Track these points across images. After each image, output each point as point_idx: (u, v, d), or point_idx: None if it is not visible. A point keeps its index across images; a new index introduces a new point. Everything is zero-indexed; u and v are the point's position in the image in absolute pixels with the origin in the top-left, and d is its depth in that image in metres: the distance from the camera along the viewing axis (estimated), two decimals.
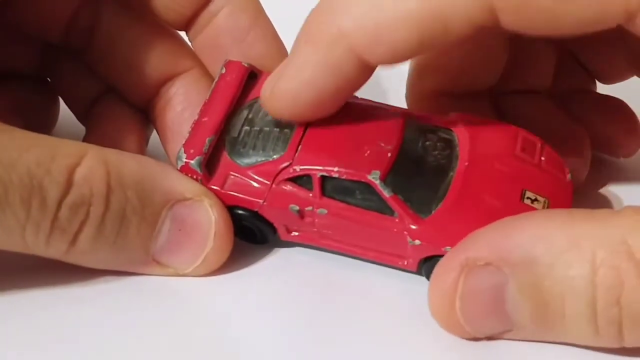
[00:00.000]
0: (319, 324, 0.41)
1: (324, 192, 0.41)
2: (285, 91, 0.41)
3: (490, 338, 0.39)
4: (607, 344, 0.37)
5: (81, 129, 0.49)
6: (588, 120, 0.48)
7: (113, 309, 0.41)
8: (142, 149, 0.47)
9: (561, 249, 0.36)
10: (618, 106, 0.49)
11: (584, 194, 0.46)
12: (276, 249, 0.44)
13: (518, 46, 0.46)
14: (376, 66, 0.40)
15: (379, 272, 0.43)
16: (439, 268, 0.38)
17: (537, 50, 0.48)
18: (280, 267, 0.44)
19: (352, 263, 0.43)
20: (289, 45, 0.46)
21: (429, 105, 0.46)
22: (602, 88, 0.51)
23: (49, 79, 0.50)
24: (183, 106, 0.46)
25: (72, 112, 0.50)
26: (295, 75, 0.41)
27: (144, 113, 0.48)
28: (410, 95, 0.48)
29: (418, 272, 0.42)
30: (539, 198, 0.41)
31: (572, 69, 0.49)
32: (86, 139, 0.47)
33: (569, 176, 0.43)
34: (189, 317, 0.41)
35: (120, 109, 0.48)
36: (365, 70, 0.40)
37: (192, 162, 0.42)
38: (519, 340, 0.39)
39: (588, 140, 0.47)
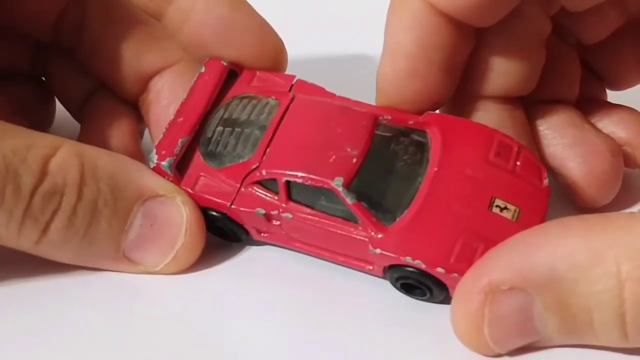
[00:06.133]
0: (295, 319, 0.41)
1: (290, 196, 0.41)
2: (382, 67, 0.42)
3: None
4: (637, 345, 0.37)
5: (77, 128, 0.49)
6: (599, 130, 0.47)
7: (83, 305, 0.42)
8: (135, 143, 0.48)
9: (584, 264, 0.35)
10: (630, 115, 0.48)
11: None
12: (248, 247, 0.45)
13: (549, 54, 0.45)
14: (460, 24, 0.41)
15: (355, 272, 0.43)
16: (461, 293, 0.38)
17: (566, 58, 0.47)
18: (252, 264, 0.44)
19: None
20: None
21: (466, 108, 0.45)
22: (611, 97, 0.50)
23: (43, 78, 0.51)
24: (168, 100, 0.47)
25: (67, 109, 0.51)
26: (387, 47, 0.42)
27: (137, 108, 0.49)
28: (454, 97, 0.46)
29: (384, 278, 0.42)
30: (509, 206, 0.40)
31: (583, 76, 0.48)
32: (80, 135, 0.48)
33: (546, 182, 0.42)
34: (158, 313, 0.42)
35: (113, 104, 0.48)
36: (448, 26, 0.41)
37: (163, 163, 0.42)
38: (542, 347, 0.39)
39: (620, 149, 0.46)
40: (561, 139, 0.45)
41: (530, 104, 0.46)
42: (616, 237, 0.35)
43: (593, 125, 0.46)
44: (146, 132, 0.50)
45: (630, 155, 0.47)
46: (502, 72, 0.44)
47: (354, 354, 0.40)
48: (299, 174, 0.40)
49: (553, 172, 0.46)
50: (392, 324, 0.41)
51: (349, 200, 0.40)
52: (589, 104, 0.48)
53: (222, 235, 0.44)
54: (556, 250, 0.36)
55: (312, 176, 0.40)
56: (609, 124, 0.47)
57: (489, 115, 0.45)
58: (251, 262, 0.44)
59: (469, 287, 0.37)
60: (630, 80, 0.49)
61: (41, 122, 0.51)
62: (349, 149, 0.41)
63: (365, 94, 0.44)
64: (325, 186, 0.40)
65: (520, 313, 0.37)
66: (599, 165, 0.44)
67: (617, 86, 0.49)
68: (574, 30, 0.46)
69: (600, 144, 0.45)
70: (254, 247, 0.45)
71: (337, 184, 0.40)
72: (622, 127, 0.47)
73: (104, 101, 0.49)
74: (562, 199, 0.45)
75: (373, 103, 0.44)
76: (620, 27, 0.46)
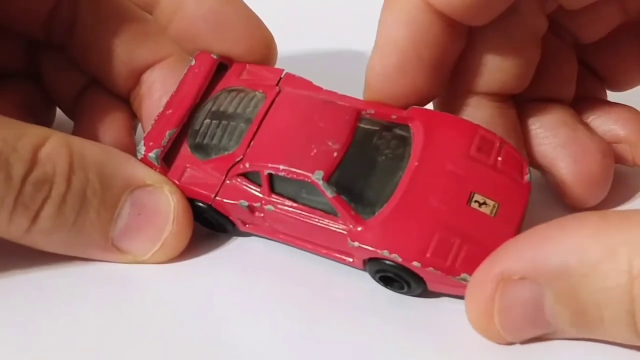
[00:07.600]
0: (282, 309, 0.42)
1: (272, 189, 0.42)
2: (371, 62, 0.43)
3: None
4: None
5: None
6: (598, 127, 0.47)
7: (72, 295, 0.43)
8: (129, 138, 0.49)
9: (595, 259, 0.35)
10: (629, 113, 0.47)
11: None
12: (234, 237, 0.46)
13: (545, 52, 0.45)
14: (453, 23, 0.41)
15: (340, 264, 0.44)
16: (475, 281, 0.39)
17: (562, 57, 0.47)
18: (238, 255, 0.45)
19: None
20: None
21: (458, 104, 0.45)
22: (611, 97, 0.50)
23: (36, 75, 0.51)
24: (160, 94, 0.47)
25: (59, 106, 0.52)
26: (378, 42, 0.42)
27: (129, 103, 0.50)
28: (446, 92, 0.46)
29: (365, 270, 0.42)
30: (487, 201, 0.41)
31: (583, 76, 0.48)
32: (74, 131, 0.49)
33: (527, 177, 0.42)
34: (147, 303, 0.43)
35: (105, 100, 0.49)
36: (442, 25, 0.41)
37: (150, 154, 0.43)
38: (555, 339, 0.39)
39: (612, 151, 0.46)
40: (553, 138, 0.45)
41: (524, 102, 0.46)
42: (630, 234, 0.35)
43: (587, 125, 0.46)
44: (139, 126, 0.50)
45: (628, 153, 0.47)
46: (496, 68, 0.44)
47: (343, 345, 0.40)
48: (281, 166, 0.41)
49: (543, 171, 0.46)
50: (376, 315, 0.41)
51: (329, 193, 0.40)
52: (588, 102, 0.48)
53: (209, 226, 0.45)
54: (569, 243, 0.36)
55: (293, 169, 0.41)
56: (607, 122, 0.47)
57: (480, 111, 0.45)
58: (237, 252, 0.45)
59: (482, 275, 0.38)
60: (631, 81, 0.49)
61: (43, 121, 0.51)
62: (330, 143, 0.41)
63: (355, 88, 0.44)
64: (306, 179, 0.41)
65: (530, 303, 0.37)
66: (588, 166, 0.44)
67: (617, 86, 0.49)
68: (571, 28, 0.46)
69: (591, 145, 0.45)
70: (240, 238, 0.45)
71: (317, 177, 0.40)
72: (621, 125, 0.47)
73: (96, 97, 0.49)
74: (557, 198, 0.45)
75: (362, 98, 0.45)
76: (619, 26, 0.45)
